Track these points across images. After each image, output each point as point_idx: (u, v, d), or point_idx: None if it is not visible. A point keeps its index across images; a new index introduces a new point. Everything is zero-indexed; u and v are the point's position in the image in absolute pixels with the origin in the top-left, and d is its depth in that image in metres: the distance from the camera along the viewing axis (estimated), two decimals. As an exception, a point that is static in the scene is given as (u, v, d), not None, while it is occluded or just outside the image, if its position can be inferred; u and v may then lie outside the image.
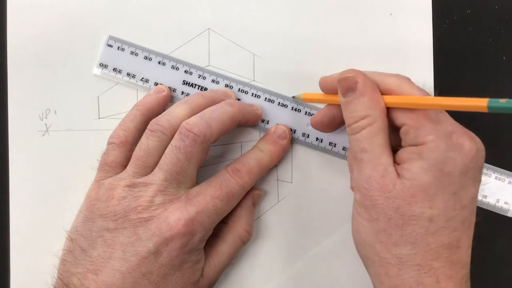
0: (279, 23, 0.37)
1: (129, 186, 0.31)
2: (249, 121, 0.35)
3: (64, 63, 0.37)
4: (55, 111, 0.37)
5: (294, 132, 0.36)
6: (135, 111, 0.34)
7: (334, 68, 0.36)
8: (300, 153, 0.36)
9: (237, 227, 0.34)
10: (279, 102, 0.36)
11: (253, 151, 0.34)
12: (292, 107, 0.36)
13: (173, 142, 0.31)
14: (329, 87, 0.31)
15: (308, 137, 0.36)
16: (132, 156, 0.32)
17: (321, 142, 0.36)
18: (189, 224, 0.30)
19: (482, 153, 0.27)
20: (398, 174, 0.27)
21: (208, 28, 0.37)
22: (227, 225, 0.34)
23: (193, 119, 0.31)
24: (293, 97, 0.35)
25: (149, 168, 0.31)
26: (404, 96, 0.28)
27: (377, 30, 0.36)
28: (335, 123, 0.33)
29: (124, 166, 0.32)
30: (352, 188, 0.31)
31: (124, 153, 0.33)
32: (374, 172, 0.27)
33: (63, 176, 0.37)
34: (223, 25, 0.37)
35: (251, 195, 0.35)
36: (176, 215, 0.30)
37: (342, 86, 0.29)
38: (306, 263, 0.36)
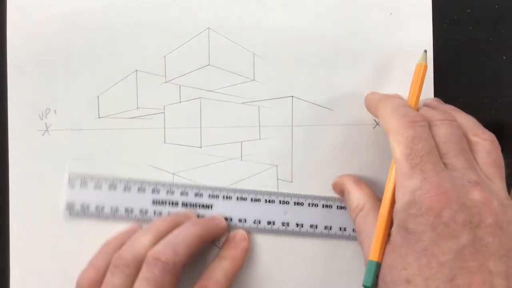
0: (279, 23, 0.37)
1: None
2: (215, 236, 0.35)
3: (64, 63, 0.37)
4: (55, 110, 0.37)
5: (274, 224, 0.36)
6: (105, 248, 0.34)
7: (334, 68, 0.36)
8: (301, 153, 0.36)
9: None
10: (251, 198, 0.36)
11: (217, 261, 0.34)
12: (266, 200, 0.36)
13: (141, 274, 0.30)
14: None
15: (288, 225, 0.36)
16: None
17: (302, 227, 0.36)
18: None
19: (451, 210, 0.26)
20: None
21: (208, 28, 0.37)
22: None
23: (159, 246, 0.31)
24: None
25: None
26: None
27: (377, 30, 0.36)
28: None
29: None
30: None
31: None
32: (369, 250, 0.29)
33: (63, 176, 0.37)
34: (223, 25, 0.37)
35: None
36: None
37: (336, 191, 0.35)
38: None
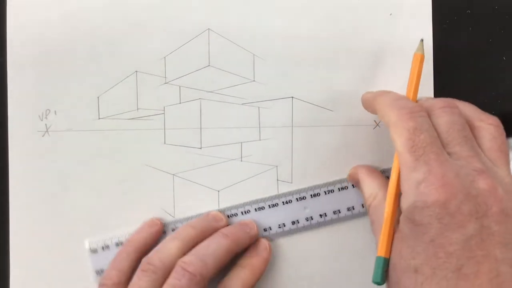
0: (279, 23, 0.37)
1: None
2: (245, 246, 0.35)
3: (64, 64, 0.37)
4: (55, 111, 0.37)
5: (298, 222, 0.36)
6: (127, 248, 0.34)
7: (334, 68, 0.36)
8: (301, 154, 0.36)
9: None
10: (269, 205, 0.36)
11: (235, 270, 0.34)
12: (283, 202, 0.36)
13: (168, 281, 0.30)
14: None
15: (312, 218, 0.36)
16: None
17: (326, 216, 0.36)
18: None
19: (456, 200, 0.26)
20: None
21: (208, 28, 0.37)
22: None
23: (188, 257, 0.31)
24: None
25: None
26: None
27: (377, 30, 0.36)
28: None
29: None
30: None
31: None
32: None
33: (63, 176, 0.37)
34: (223, 25, 0.37)
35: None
36: None
37: (352, 182, 0.36)
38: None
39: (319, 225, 0.36)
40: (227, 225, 0.35)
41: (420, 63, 0.32)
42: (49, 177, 0.37)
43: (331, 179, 0.36)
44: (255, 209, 0.36)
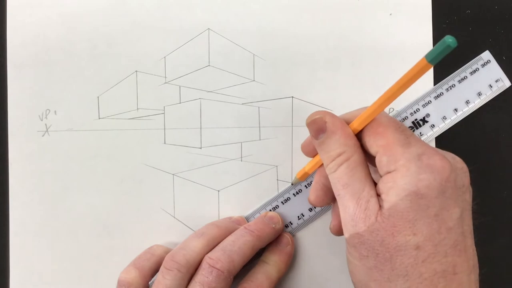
0: (279, 23, 0.37)
1: None
2: (270, 241, 0.35)
3: (64, 63, 0.37)
4: (55, 111, 0.37)
5: (315, 208, 0.36)
6: (151, 250, 0.34)
7: (334, 68, 0.36)
8: (301, 154, 0.36)
9: None
10: (281, 202, 0.36)
11: (259, 265, 0.34)
12: (293, 194, 0.36)
13: (196, 277, 0.31)
14: (311, 149, 0.32)
15: None
16: None
17: None
18: None
19: (461, 171, 0.27)
20: (380, 206, 0.27)
21: (208, 28, 0.37)
22: None
23: (215, 253, 0.31)
24: (292, 184, 0.36)
25: None
26: (361, 114, 0.28)
27: (377, 30, 0.36)
28: (330, 191, 0.31)
29: None
30: (334, 232, 0.32)
31: None
32: (357, 207, 0.27)
33: (63, 176, 0.37)
34: (223, 25, 0.37)
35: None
36: None
37: (312, 129, 0.30)
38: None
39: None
40: None
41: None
42: (49, 177, 0.37)
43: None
44: (270, 209, 0.36)
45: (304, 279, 0.36)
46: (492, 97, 0.36)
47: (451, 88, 0.36)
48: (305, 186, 0.36)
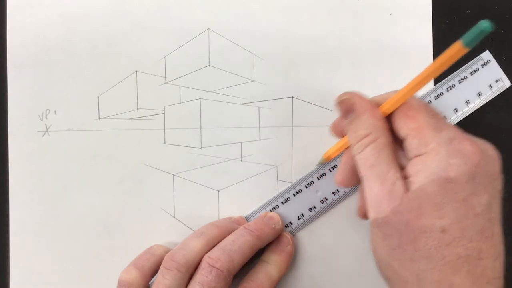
0: (279, 23, 0.37)
1: None
2: (270, 241, 0.35)
3: (64, 63, 0.37)
4: (55, 111, 0.37)
5: (315, 208, 0.36)
6: (150, 250, 0.34)
7: (334, 68, 0.36)
8: (301, 154, 0.36)
9: None
10: (282, 202, 0.36)
11: (260, 265, 0.34)
12: (294, 194, 0.36)
13: (196, 277, 0.31)
14: (339, 130, 0.32)
15: (326, 199, 0.36)
16: None
17: (338, 192, 0.36)
18: None
19: (491, 158, 0.27)
20: (407, 188, 0.26)
21: (208, 28, 0.37)
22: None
23: (215, 253, 0.31)
24: (318, 164, 0.36)
25: None
26: (392, 97, 0.28)
27: (377, 30, 0.36)
28: (357, 173, 0.31)
29: None
30: (360, 215, 0.32)
31: None
32: (383, 188, 0.27)
33: (63, 176, 0.37)
34: (223, 25, 0.37)
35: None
36: None
37: (342, 108, 0.30)
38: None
39: (335, 203, 0.36)
40: None
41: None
42: (49, 177, 0.37)
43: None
44: (270, 209, 0.36)
45: (304, 279, 0.36)
46: (492, 97, 0.36)
47: (451, 88, 0.36)
48: (305, 186, 0.36)
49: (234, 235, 0.33)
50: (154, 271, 0.33)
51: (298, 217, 0.36)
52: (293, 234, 0.36)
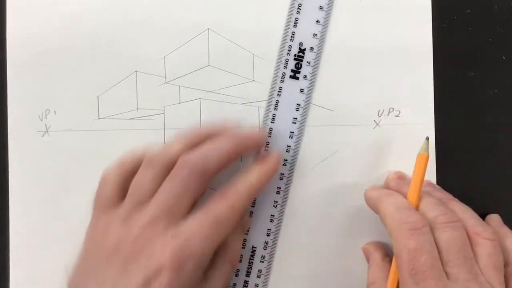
0: (279, 23, 0.36)
1: (122, 221, 0.30)
2: (251, 149, 0.35)
3: (64, 64, 0.37)
4: (55, 111, 0.37)
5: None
6: (132, 151, 0.34)
7: (334, 68, 0.36)
8: (301, 154, 0.36)
9: (226, 253, 0.33)
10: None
11: (242, 174, 0.33)
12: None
13: (170, 173, 0.31)
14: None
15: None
16: (129, 190, 0.31)
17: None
18: (177, 255, 0.28)
19: None
20: None
21: (208, 28, 0.37)
22: (217, 251, 0.32)
23: (190, 154, 0.31)
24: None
25: (145, 202, 0.30)
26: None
27: (377, 30, 0.36)
28: None
29: (120, 200, 0.32)
30: None
31: (117, 190, 0.32)
32: None
33: (63, 176, 0.37)
34: (223, 25, 0.37)
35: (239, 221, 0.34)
36: (163, 247, 0.28)
37: (364, 254, 0.36)
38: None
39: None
40: None
41: (425, 164, 0.32)
42: (49, 177, 0.37)
43: (331, 179, 0.36)
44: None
45: (304, 279, 0.36)
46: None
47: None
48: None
49: (213, 139, 0.32)
50: (135, 170, 0.33)
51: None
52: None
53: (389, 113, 0.36)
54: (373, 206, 0.34)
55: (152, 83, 0.36)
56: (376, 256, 0.34)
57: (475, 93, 0.36)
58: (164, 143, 0.33)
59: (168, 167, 0.31)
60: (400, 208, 0.31)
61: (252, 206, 0.36)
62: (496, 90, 0.36)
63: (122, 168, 0.33)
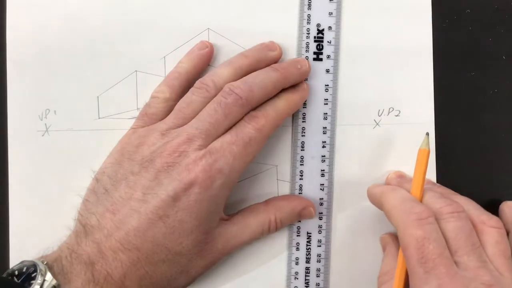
0: (279, 23, 0.36)
1: (162, 133, 0.32)
2: (294, 82, 0.35)
3: (64, 63, 0.37)
4: (55, 111, 0.37)
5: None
6: (179, 69, 0.35)
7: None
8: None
9: (272, 214, 0.34)
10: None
11: (271, 99, 0.34)
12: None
13: (216, 98, 0.32)
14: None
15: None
16: (175, 107, 0.33)
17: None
18: (207, 170, 0.30)
19: None
20: None
21: (208, 28, 0.37)
22: (267, 205, 0.35)
23: (237, 82, 0.32)
24: None
25: (187, 120, 0.32)
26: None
27: (377, 30, 0.36)
28: None
29: (164, 117, 0.33)
30: None
31: (165, 108, 0.34)
32: None
33: (63, 176, 0.37)
34: (223, 25, 0.37)
35: (304, 205, 0.35)
36: (195, 164, 0.30)
37: (380, 243, 0.36)
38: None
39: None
40: (281, 55, 0.35)
41: (426, 158, 0.32)
42: (49, 177, 0.37)
43: (331, 179, 0.36)
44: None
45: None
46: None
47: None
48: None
49: (258, 71, 0.33)
50: (184, 89, 0.34)
51: None
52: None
53: (389, 112, 0.36)
54: (377, 201, 0.34)
55: (152, 83, 0.36)
56: (393, 246, 0.34)
57: (475, 93, 0.36)
58: (212, 70, 0.35)
59: (215, 93, 0.32)
60: (405, 200, 0.31)
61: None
62: (496, 90, 0.36)
63: (171, 90, 0.34)
